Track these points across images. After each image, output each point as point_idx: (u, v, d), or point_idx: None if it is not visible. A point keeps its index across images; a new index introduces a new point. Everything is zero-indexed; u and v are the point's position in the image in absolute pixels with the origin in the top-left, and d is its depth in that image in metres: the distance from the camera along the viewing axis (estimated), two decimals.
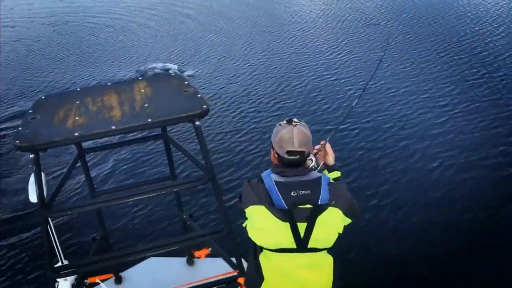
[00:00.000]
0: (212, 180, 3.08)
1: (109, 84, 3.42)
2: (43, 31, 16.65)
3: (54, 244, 3.16)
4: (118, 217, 6.35)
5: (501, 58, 11.19)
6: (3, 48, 14.58)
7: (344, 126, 8.19)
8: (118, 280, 4.23)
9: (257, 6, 17.80)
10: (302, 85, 10.49)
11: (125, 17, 17.58)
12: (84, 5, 19.52)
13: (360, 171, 7.18)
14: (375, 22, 14.61)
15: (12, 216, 6.80)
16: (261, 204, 2.43)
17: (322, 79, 10.70)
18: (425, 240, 5.82)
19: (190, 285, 3.65)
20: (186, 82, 3.27)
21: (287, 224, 2.39)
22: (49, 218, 3.02)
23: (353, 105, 3.78)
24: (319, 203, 2.37)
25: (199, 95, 3.06)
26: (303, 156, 2.44)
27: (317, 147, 2.87)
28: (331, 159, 2.83)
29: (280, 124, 2.50)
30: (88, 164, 4.24)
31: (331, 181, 2.69)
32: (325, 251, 2.53)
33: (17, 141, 2.71)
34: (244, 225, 2.56)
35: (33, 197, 2.91)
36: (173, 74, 3.54)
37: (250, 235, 2.53)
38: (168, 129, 3.95)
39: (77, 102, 3.07)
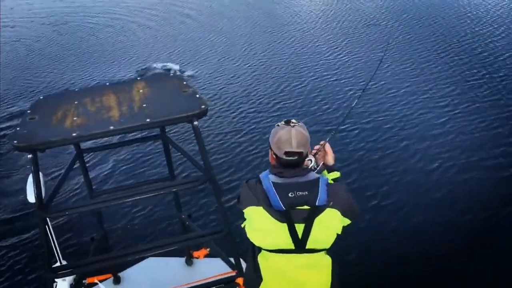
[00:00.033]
0: (210, 180, 3.07)
1: (107, 84, 3.42)
2: (43, 31, 16.66)
3: (52, 244, 3.15)
4: (116, 218, 6.34)
5: (502, 58, 11.18)
6: (3, 48, 14.59)
7: (344, 127, 8.18)
8: (117, 280, 4.22)
9: (257, 6, 17.81)
10: (302, 85, 10.49)
11: (125, 17, 17.60)
12: (84, 5, 19.55)
13: (360, 171, 7.17)
14: (375, 22, 14.60)
15: (11, 216, 6.79)
16: (259, 205, 2.43)
17: (322, 80, 10.70)
18: (425, 240, 5.82)
19: (189, 285, 3.65)
20: (184, 82, 3.27)
21: (285, 225, 2.39)
22: (48, 219, 3.01)
23: (353, 105, 3.78)
24: (316, 204, 2.36)
25: (197, 95, 3.05)
26: (301, 157, 2.43)
27: (317, 147, 2.86)
28: (330, 159, 2.82)
29: (278, 125, 2.49)
30: (87, 165, 4.23)
31: (330, 181, 2.68)
32: (324, 251, 2.53)
33: (15, 141, 2.70)
34: (242, 225, 2.55)
35: (31, 198, 2.91)
36: (171, 74, 3.54)
37: (248, 235, 2.53)
38: (167, 130, 3.95)
39: (76, 103, 3.06)
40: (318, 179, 2.43)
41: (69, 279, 3.38)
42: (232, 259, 3.56)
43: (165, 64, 12.33)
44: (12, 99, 10.94)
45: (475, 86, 9.82)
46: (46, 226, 3.02)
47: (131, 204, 6.37)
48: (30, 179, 2.87)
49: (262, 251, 2.54)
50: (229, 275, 3.52)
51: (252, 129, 8.72)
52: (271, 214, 2.39)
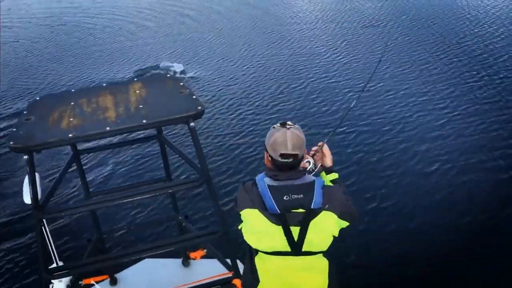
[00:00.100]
0: (207, 181, 3.07)
1: (104, 85, 3.41)
2: (41, 32, 16.68)
3: (48, 245, 3.14)
4: (113, 219, 6.34)
5: (501, 60, 11.20)
6: (2, 49, 14.58)
7: (343, 129, 8.18)
8: (113, 282, 4.21)
9: (256, 7, 17.81)
10: (301, 87, 10.49)
11: (124, 18, 17.62)
12: (82, 6, 19.55)
13: (359, 173, 7.17)
14: (374, 24, 14.63)
15: (9, 219, 6.79)
16: (255, 208, 2.42)
17: (321, 81, 10.71)
18: (425, 240, 5.83)
19: (186, 287, 3.64)
20: (181, 84, 3.27)
21: (280, 228, 2.38)
22: (44, 220, 3.00)
23: (351, 106, 3.78)
24: (312, 207, 2.35)
25: (194, 97, 3.05)
26: (297, 159, 2.41)
27: (315, 148, 2.85)
28: (328, 161, 2.81)
29: (274, 127, 2.48)
30: (83, 166, 4.22)
31: (328, 183, 2.68)
32: (321, 254, 2.52)
33: (11, 142, 2.70)
34: (239, 227, 2.55)
35: (27, 199, 2.90)
36: (168, 75, 3.53)
37: (245, 238, 2.53)
38: (165, 131, 3.94)
39: (72, 103, 3.06)
40: (313, 181, 2.42)
41: (66, 280, 3.36)
42: (228, 260, 3.56)
43: (164, 64, 12.32)
44: (11, 100, 10.95)
45: (474, 88, 9.83)
46: (43, 227, 3.01)
47: (127, 205, 6.37)
48: (27, 180, 2.86)
49: (259, 253, 2.54)
50: (226, 276, 3.51)
51: (251, 131, 8.72)
52: (266, 217, 2.39)
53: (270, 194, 2.37)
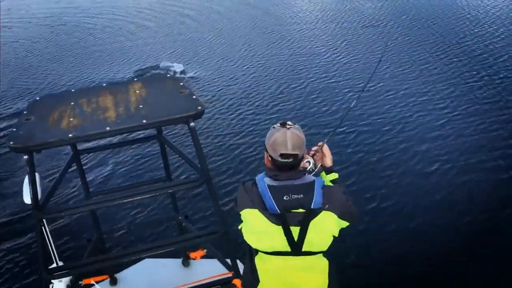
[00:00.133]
0: (207, 181, 3.07)
1: (104, 85, 3.42)
2: (41, 32, 16.69)
3: (49, 245, 3.14)
4: (113, 219, 6.35)
5: (501, 60, 11.20)
6: (2, 49, 14.59)
7: (343, 129, 8.18)
8: (113, 282, 4.21)
9: (256, 7, 17.81)
10: (301, 86, 10.49)
11: (123, 18, 17.62)
12: (82, 6, 19.55)
13: (359, 173, 7.17)
14: (374, 24, 14.63)
15: (10, 219, 6.79)
16: (255, 208, 2.42)
17: (321, 81, 10.71)
18: (425, 240, 5.84)
19: (186, 287, 3.64)
20: (181, 84, 3.27)
21: (280, 228, 2.38)
22: (44, 220, 3.00)
23: (351, 106, 3.78)
24: (312, 207, 2.35)
25: (194, 97, 3.05)
26: (297, 159, 2.41)
27: (315, 148, 2.85)
28: (328, 161, 2.82)
29: (274, 127, 2.48)
30: (84, 166, 4.22)
31: (329, 183, 2.68)
32: (321, 254, 2.52)
33: (11, 142, 2.70)
34: (239, 227, 2.55)
35: (27, 199, 2.90)
36: (168, 75, 3.53)
37: (245, 238, 2.53)
38: (165, 131, 3.94)
39: (72, 103, 3.06)
40: (313, 181, 2.42)
41: (66, 280, 3.36)
42: (228, 260, 3.56)
43: (164, 64, 12.33)
44: (11, 100, 10.95)
45: (474, 88, 9.83)
46: (43, 227, 3.01)
47: (127, 205, 6.37)
48: (27, 180, 2.86)
49: (259, 253, 2.54)
50: (226, 276, 3.51)
51: (251, 131, 8.72)
52: (266, 217, 2.39)
53: (270, 194, 2.37)
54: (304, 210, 2.36)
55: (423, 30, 13.71)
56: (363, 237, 5.74)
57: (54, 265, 3.26)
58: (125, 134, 3.66)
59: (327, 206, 2.39)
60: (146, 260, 4.25)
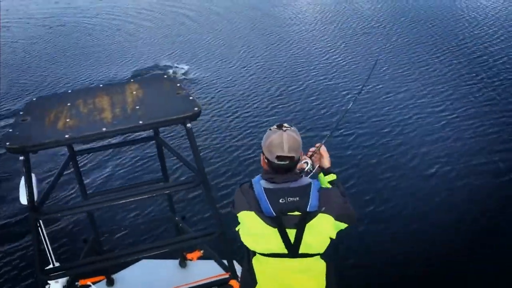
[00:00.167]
0: (203, 183, 3.06)
1: (101, 86, 3.41)
2: (40, 32, 16.69)
3: (45, 246, 3.13)
4: (110, 219, 6.34)
5: (500, 62, 11.20)
6: (1, 50, 14.58)
7: (341, 131, 8.18)
8: (110, 282, 4.20)
9: (256, 8, 17.82)
10: (299, 88, 10.50)
11: (122, 19, 17.62)
12: (81, 7, 19.55)
13: (357, 176, 7.17)
14: (373, 25, 14.63)
15: (7, 220, 6.78)
16: (251, 210, 2.42)
17: (319, 82, 10.71)
18: (425, 241, 5.85)
19: (182, 287, 3.63)
20: (178, 84, 3.26)
21: (277, 230, 2.38)
22: (41, 221, 3.00)
23: (348, 107, 3.77)
24: (307, 210, 2.35)
25: (190, 98, 3.04)
26: (293, 161, 2.41)
27: (312, 149, 2.84)
28: (326, 162, 2.81)
29: (270, 129, 2.48)
30: (80, 167, 4.21)
31: (327, 185, 2.67)
32: (318, 256, 2.51)
33: (7, 143, 2.69)
34: (237, 229, 2.55)
35: (23, 199, 2.89)
36: (165, 76, 3.53)
37: (242, 239, 2.52)
38: (162, 133, 3.93)
39: (68, 104, 3.05)
40: (310, 184, 2.41)
41: (62, 281, 3.36)
42: (225, 261, 3.55)
43: (162, 65, 12.33)
44: (9, 100, 10.94)
45: (474, 90, 9.83)
46: (39, 228, 3.01)
47: (124, 206, 6.35)
48: (23, 181, 2.85)
49: (257, 254, 2.53)
50: (223, 277, 3.51)
51: (248, 133, 8.71)
52: (262, 219, 2.39)
53: (266, 197, 2.37)
54: (300, 213, 2.36)
55: (422, 32, 13.72)
56: (363, 238, 5.75)
57: (51, 266, 3.25)
58: (122, 135, 3.66)
59: (323, 208, 2.38)
60: (143, 261, 4.24)
